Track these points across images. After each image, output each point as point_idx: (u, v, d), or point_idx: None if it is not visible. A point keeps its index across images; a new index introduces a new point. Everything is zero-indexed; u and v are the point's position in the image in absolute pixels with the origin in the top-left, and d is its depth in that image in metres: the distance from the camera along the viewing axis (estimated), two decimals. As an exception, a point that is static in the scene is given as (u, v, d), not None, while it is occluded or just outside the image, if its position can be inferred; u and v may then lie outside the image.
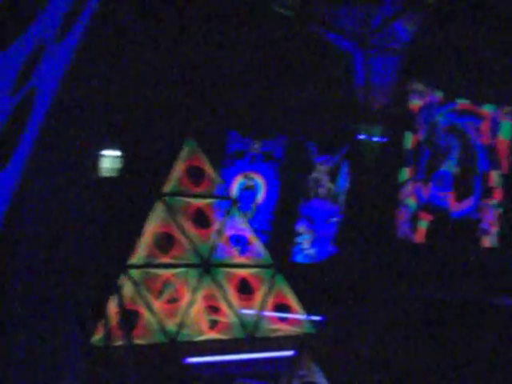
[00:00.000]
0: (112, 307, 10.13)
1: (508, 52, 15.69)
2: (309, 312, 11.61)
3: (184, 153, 11.35)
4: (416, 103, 16.13)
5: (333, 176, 15.98)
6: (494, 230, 16.58)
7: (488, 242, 16.52)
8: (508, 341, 11.93)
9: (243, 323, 11.00)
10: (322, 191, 15.90)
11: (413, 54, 15.03)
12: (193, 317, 10.82)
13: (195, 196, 11.37)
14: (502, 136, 16.75)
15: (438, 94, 16.26)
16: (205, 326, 11.07)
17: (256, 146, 15.48)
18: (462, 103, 16.45)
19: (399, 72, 15.26)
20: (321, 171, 15.88)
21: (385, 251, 15.34)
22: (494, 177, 16.71)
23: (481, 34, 15.17)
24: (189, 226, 11.15)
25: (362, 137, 15.73)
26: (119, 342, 9.85)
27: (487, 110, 16.65)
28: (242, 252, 11.87)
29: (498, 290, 13.15)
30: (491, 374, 10.78)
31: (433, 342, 11.85)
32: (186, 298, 10.86)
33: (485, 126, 16.66)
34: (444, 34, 14.97)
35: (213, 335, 10.96)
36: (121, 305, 9.93)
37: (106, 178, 11.79)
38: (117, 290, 10.15)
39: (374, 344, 11.94)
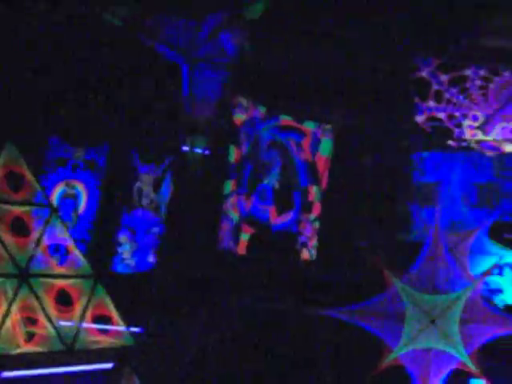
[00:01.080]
0: None
1: (330, 71, 16.28)
2: (129, 323, 11.44)
3: (2, 159, 10.85)
4: (240, 117, 16.32)
5: (156, 186, 15.86)
6: (313, 243, 17.09)
7: (307, 254, 16.99)
8: (325, 350, 12.37)
9: (62, 335, 10.58)
10: (144, 201, 15.74)
11: (238, 69, 15.21)
12: (8, 329, 10.31)
13: (14, 203, 10.89)
14: (322, 153, 17.32)
15: (262, 110, 16.56)
16: (21, 338, 10.54)
17: (78, 154, 15.13)
18: (285, 119, 16.86)
19: (224, 85, 15.41)
20: (144, 181, 15.72)
21: (207, 263, 15.36)
22: (314, 192, 17.23)
23: (305, 51, 15.63)
24: (6, 234, 10.63)
25: (186, 148, 15.70)
26: None
27: (308, 126, 17.16)
28: (62, 262, 11.52)
29: (316, 300, 13.51)
30: (307, 377, 11.20)
31: (256, 350, 12.02)
32: (2, 309, 10.31)
33: (306, 143, 17.16)
34: (268, 50, 15.28)
35: (30, 348, 10.46)
36: None
37: None
38: None
39: (195, 355, 11.94)
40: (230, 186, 16.10)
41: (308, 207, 17.21)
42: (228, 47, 14.77)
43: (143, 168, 15.64)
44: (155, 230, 15.92)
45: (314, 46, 15.83)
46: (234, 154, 16.18)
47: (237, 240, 16.14)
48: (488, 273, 9.78)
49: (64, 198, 15.06)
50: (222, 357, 12.01)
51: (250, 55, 15.19)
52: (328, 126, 17.31)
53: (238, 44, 14.71)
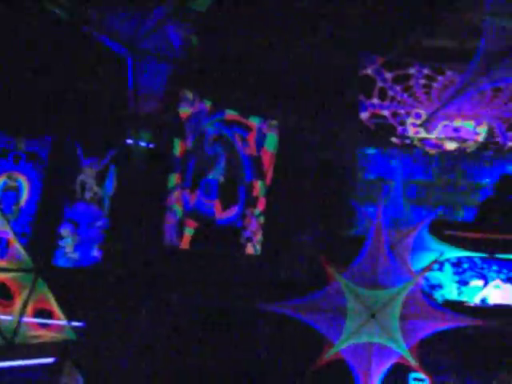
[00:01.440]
0: None
1: (276, 66, 16.33)
2: (71, 318, 11.32)
3: None
4: (185, 111, 16.21)
5: (100, 179, 15.69)
6: (257, 238, 17.11)
7: (251, 249, 17.01)
8: (275, 345, 12.46)
9: (1, 329, 10.40)
10: (88, 194, 15.56)
11: (184, 62, 15.12)
12: None
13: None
14: (267, 148, 17.35)
15: (207, 104, 16.49)
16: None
17: (20, 146, 14.90)
18: (230, 114, 16.83)
19: (170, 78, 15.29)
20: (87, 174, 15.54)
21: (151, 257, 15.28)
22: (259, 187, 17.25)
23: (252, 45, 15.64)
24: None
25: (130, 141, 15.56)
26: None
27: (254, 121, 17.17)
28: (2, 255, 11.34)
29: (260, 295, 13.55)
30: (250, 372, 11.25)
31: (199, 345, 12.03)
32: None
33: (251, 138, 17.17)
34: (215, 44, 15.23)
35: (-32, 342, 10.33)
36: None
37: None
38: None
39: (138, 350, 11.89)
40: (174, 179, 15.98)
41: (253, 202, 17.22)
42: (174, 40, 14.64)
43: (86, 161, 15.46)
44: (99, 223, 15.74)
45: (261, 41, 15.85)
46: (178, 148, 16.07)
47: (181, 234, 16.04)
48: (428, 268, 9.94)
49: (5, 190, 14.82)
50: (166, 352, 11.98)
51: (196, 48, 15.11)
52: (274, 122, 17.35)
53: (184, 37, 14.60)
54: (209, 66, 15.67)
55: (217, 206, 16.73)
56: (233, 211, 16.93)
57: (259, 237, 17.16)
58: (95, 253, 15.58)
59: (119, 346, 12.07)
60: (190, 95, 16.15)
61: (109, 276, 14.66)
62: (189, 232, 16.18)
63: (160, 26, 14.14)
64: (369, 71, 16.95)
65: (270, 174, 17.41)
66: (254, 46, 15.68)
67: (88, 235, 15.59)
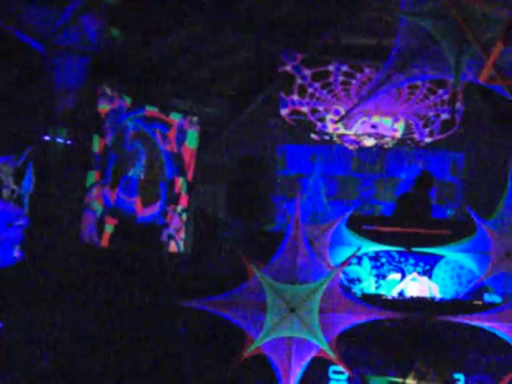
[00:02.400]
0: None
1: (197, 62, 16.30)
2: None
3: None
4: (104, 107, 15.97)
5: (18, 177, 15.32)
6: (180, 235, 17.05)
7: (174, 247, 16.94)
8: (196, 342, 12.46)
9: None
10: (5, 193, 15.17)
11: (103, 57, 14.90)
12: None
13: None
14: (188, 144, 17.30)
15: (127, 100, 16.30)
16: None
17: None
18: (150, 110, 16.69)
19: (88, 74, 15.05)
20: (4, 172, 15.16)
21: (71, 256, 15.03)
22: (180, 183, 17.18)
23: (171, 41, 15.56)
24: None
25: (47, 138, 15.24)
26: None
27: (174, 118, 17.08)
28: None
29: (183, 292, 13.50)
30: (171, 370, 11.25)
31: (118, 344, 11.93)
32: None
33: (172, 134, 17.07)
34: (134, 39, 15.08)
35: None
36: None
37: None
38: None
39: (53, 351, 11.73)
40: (93, 176, 15.72)
41: (175, 199, 17.14)
42: (91, 34, 14.41)
43: (2, 158, 15.08)
44: (19, 222, 15.37)
45: (180, 37, 15.77)
46: (97, 145, 15.82)
47: (100, 232, 15.82)
48: (346, 263, 10.06)
49: None
50: (84, 351, 11.83)
51: (115, 43, 14.92)
52: (194, 118, 17.30)
53: (101, 31, 14.38)
54: (128, 61, 15.52)
55: (137, 203, 16.57)
56: (154, 208, 16.81)
57: (182, 234, 17.11)
58: (16, 253, 15.23)
59: (38, 347, 11.87)
60: (109, 91, 15.93)
61: (29, 276, 14.37)
62: (108, 229, 15.98)
63: (75, 20, 13.89)
64: (288, 68, 17.08)
65: (191, 171, 17.37)
66: (172, 42, 15.55)
67: (7, 235, 15.22)
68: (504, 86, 7.80)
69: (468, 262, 12.37)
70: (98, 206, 15.97)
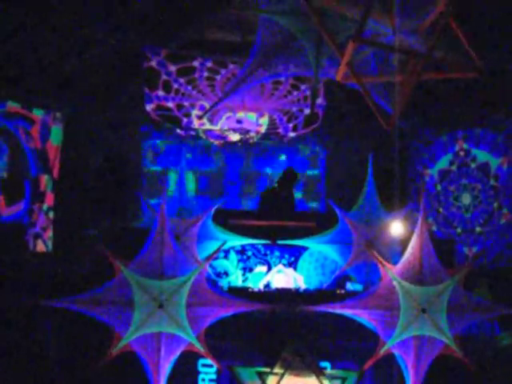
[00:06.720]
0: None
1: (60, 58, 16.00)
2: None
3: None
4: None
5: None
6: (48, 234, 16.71)
7: (42, 246, 16.59)
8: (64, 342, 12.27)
9: None
10: None
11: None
12: None
13: None
14: (52, 141, 16.97)
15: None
16: None
17: None
18: (12, 106, 16.26)
19: None
20: None
21: None
22: (45, 181, 16.83)
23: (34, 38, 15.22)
24: None
25: None
26: None
27: (37, 114, 16.71)
28: None
29: (53, 292, 13.27)
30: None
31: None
32: None
33: (35, 131, 16.70)
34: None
35: None
36: None
37: None
38: None
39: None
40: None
41: (40, 197, 16.79)
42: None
43: None
44: None
45: (43, 30, 15.45)
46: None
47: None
48: (211, 257, 10.19)
49: None
50: None
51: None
52: (58, 114, 17.01)
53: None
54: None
55: (1, 202, 16.13)
56: (18, 207, 16.40)
57: (50, 233, 16.78)
58: None
59: None
60: None
61: None
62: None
63: None
64: (153, 63, 17.06)
65: (56, 168, 17.06)
66: (34, 35, 15.22)
67: None
68: (358, 84, 8.12)
69: (331, 252, 12.72)
70: (-42, 206, 15.49)
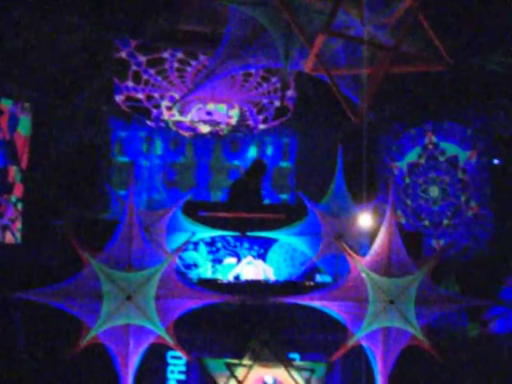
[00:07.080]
0: None
1: (26, 48, 15.84)
2: None
3: None
4: None
5: None
6: (17, 225, 16.57)
7: (10, 237, 16.45)
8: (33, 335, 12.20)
9: None
10: None
11: None
12: None
13: None
14: (21, 131, 16.82)
15: None
16: None
17: None
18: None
19: None
20: None
21: None
22: (13, 172, 16.68)
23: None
24: None
25: None
26: None
27: (5, 104, 16.55)
28: None
29: (21, 284, 13.18)
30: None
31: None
32: None
33: (3, 121, 16.54)
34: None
35: None
36: None
37: None
38: None
39: None
40: None
41: (8, 188, 16.63)
42: None
43: None
44: None
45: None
46: None
47: None
48: (180, 249, 10.17)
49: None
50: None
51: None
52: (27, 104, 16.85)
53: None
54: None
55: (-32, 194, 16.00)
56: (-14, 199, 16.27)
57: (19, 225, 16.64)
58: None
59: None
60: None
61: None
62: None
63: None
64: (123, 54, 16.95)
65: (25, 159, 16.90)
66: (2, 26, 15.05)
67: None
68: (327, 76, 8.13)
69: (300, 244, 12.74)
70: None
